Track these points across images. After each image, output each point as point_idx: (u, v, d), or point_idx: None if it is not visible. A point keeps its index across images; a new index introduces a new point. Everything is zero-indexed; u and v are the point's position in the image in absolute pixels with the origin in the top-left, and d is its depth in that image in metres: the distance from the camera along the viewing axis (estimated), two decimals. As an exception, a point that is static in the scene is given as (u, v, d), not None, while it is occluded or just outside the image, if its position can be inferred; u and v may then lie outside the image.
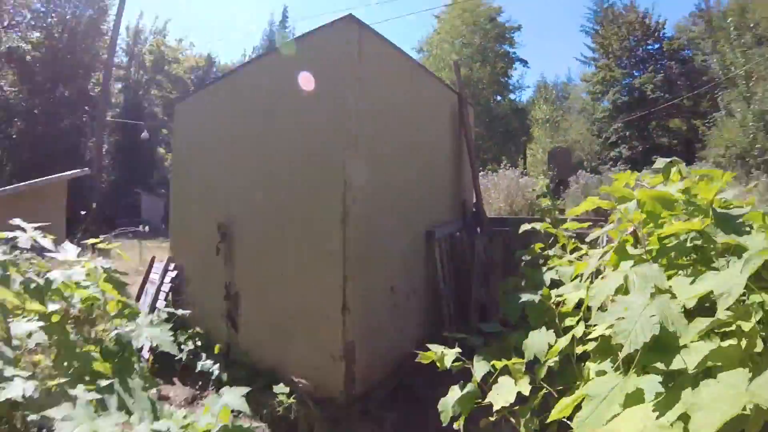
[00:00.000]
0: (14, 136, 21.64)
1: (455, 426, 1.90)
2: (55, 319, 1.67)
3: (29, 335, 1.57)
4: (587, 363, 1.76)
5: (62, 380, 1.45)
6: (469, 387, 1.90)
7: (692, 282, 1.44)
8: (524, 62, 34.81)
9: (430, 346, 2.01)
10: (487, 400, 1.87)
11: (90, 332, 1.97)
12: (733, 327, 1.29)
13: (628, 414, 1.24)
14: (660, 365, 1.30)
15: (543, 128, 34.38)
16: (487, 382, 1.95)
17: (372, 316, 3.36)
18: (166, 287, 4.92)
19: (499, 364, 1.93)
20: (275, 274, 3.62)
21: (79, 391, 1.38)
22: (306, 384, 3.26)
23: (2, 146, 21.60)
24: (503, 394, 1.84)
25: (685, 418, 1.11)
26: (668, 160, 2.16)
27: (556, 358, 1.91)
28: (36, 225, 1.86)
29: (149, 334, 1.81)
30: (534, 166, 27.95)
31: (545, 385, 1.90)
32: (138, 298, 5.23)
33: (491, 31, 32.34)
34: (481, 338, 2.52)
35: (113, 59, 23.31)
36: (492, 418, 1.91)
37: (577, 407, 1.42)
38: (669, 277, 1.56)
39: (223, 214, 4.12)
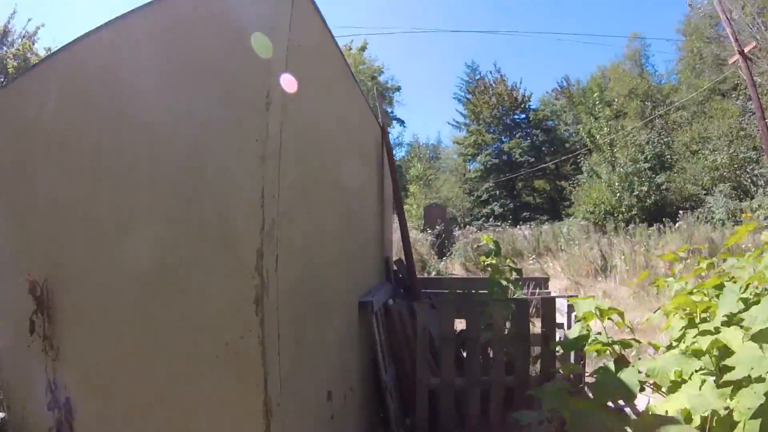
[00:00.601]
0: None
1: None
2: None
3: None
4: None
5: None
6: None
7: None
8: (401, 122, 36.49)
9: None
10: None
11: None
12: None
13: None
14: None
15: (418, 185, 35.72)
16: None
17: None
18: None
19: None
20: (139, 377, 1.84)
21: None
22: None
23: None
24: None
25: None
26: None
27: None
28: None
29: None
30: (410, 220, 28.57)
31: None
32: None
33: (371, 90, 33.23)
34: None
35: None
36: None
37: None
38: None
39: (42, 264, 2.14)
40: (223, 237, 1.62)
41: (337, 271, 2.70)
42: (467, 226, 21.60)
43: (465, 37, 70.45)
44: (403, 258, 4.78)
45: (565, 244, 14.52)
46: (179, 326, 1.65)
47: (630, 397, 1.97)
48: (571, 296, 4.40)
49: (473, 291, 4.64)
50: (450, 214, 28.65)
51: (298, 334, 1.85)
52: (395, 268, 5.01)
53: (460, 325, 3.90)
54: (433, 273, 13.10)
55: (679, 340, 2.43)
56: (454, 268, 15.16)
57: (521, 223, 23.00)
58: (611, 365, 2.10)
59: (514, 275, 4.35)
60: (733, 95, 20.23)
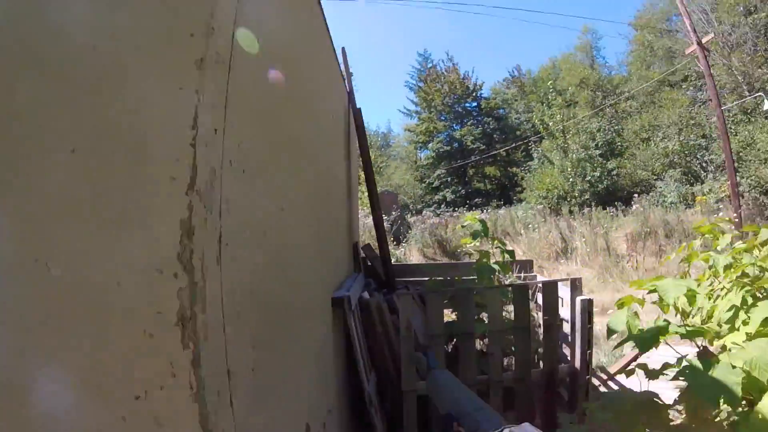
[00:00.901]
0: None
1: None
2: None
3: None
4: None
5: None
6: None
7: None
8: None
9: None
10: None
11: None
12: None
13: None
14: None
15: None
16: None
17: None
18: None
19: None
20: None
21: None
22: None
23: None
24: None
25: None
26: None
27: None
28: None
29: None
30: (363, 208, 28.14)
31: None
32: None
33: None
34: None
35: None
36: None
37: None
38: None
39: None
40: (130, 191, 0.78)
41: (307, 262, 2.03)
42: (423, 212, 21.18)
43: (418, 25, 70.07)
44: (372, 244, 4.16)
45: (524, 227, 14.38)
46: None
47: (734, 401, 1.48)
48: (561, 279, 3.89)
49: (455, 278, 4.08)
50: (402, 201, 28.37)
51: (259, 361, 1.17)
52: (363, 254, 4.38)
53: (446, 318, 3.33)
54: (393, 260, 12.55)
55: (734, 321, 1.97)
56: (412, 254, 14.71)
57: (473, 208, 22.88)
58: (696, 362, 1.59)
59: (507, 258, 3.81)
60: (683, 86, 20.99)
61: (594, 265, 11.35)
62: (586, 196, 18.38)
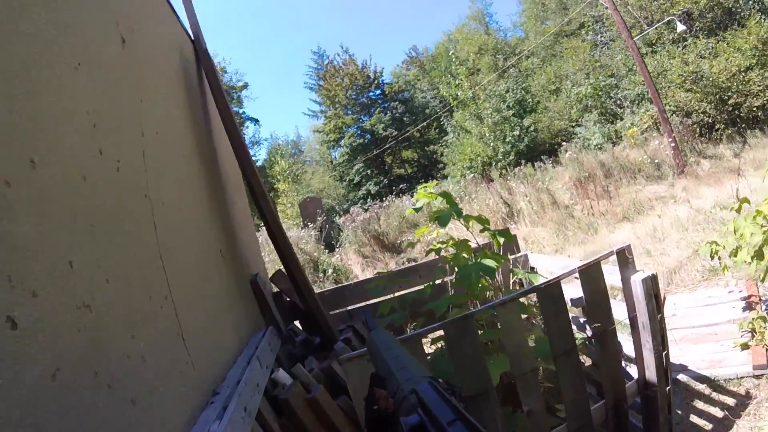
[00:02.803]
0: None
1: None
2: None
3: None
4: None
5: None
6: None
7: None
8: (256, 121, 33.91)
9: None
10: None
11: None
12: None
13: None
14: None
15: (287, 182, 33.77)
16: None
17: None
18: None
19: None
20: None
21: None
22: None
23: None
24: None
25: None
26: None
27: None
28: None
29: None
30: (286, 220, 26.92)
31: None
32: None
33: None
34: None
35: None
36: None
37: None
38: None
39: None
40: None
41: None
42: (351, 210, 19.83)
43: (308, 25, 68.11)
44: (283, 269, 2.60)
45: (460, 200, 13.35)
46: None
47: None
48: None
49: (425, 287, 2.64)
50: (326, 204, 27.02)
51: None
52: (274, 288, 2.81)
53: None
54: (330, 271, 10.99)
55: None
56: (349, 257, 13.18)
57: (400, 195, 21.91)
58: None
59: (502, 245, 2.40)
60: (582, 33, 21.06)
61: (546, 222, 10.47)
62: (511, 157, 18.11)
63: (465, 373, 1.90)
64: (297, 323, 3.02)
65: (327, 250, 13.39)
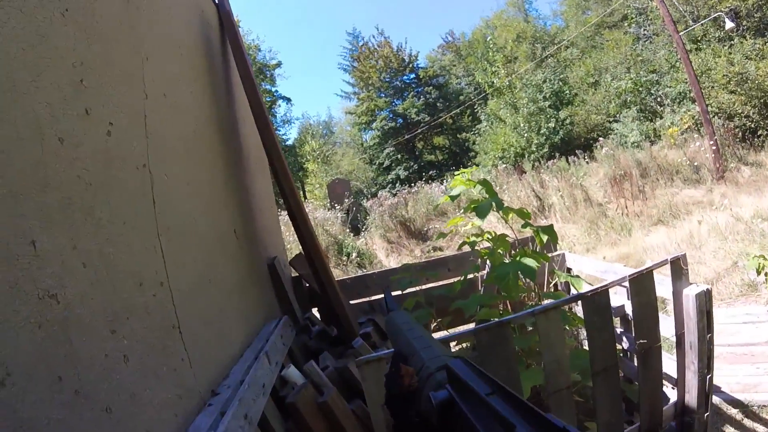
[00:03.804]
0: None
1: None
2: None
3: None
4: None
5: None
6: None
7: None
8: (288, 99, 33.86)
9: None
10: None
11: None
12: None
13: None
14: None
15: (316, 162, 33.80)
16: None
17: None
18: None
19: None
20: None
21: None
22: None
23: None
24: None
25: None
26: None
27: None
28: None
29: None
30: (313, 200, 26.99)
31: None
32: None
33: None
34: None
35: None
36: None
37: None
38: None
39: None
40: None
41: None
42: (379, 194, 19.70)
43: (344, 6, 67.62)
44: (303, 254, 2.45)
45: (492, 192, 13.03)
46: None
47: None
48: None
49: (455, 284, 2.45)
50: (355, 187, 26.96)
51: None
52: (294, 272, 2.67)
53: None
54: (354, 255, 10.89)
55: None
56: (375, 242, 13.06)
57: (430, 181, 21.59)
58: None
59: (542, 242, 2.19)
60: (624, 25, 20.18)
61: (577, 219, 10.10)
62: (545, 149, 17.52)
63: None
64: (315, 311, 2.89)
65: (352, 233, 13.29)
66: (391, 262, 11.35)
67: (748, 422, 3.09)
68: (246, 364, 1.30)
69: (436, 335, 2.94)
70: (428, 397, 0.58)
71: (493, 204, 2.11)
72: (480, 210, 2.06)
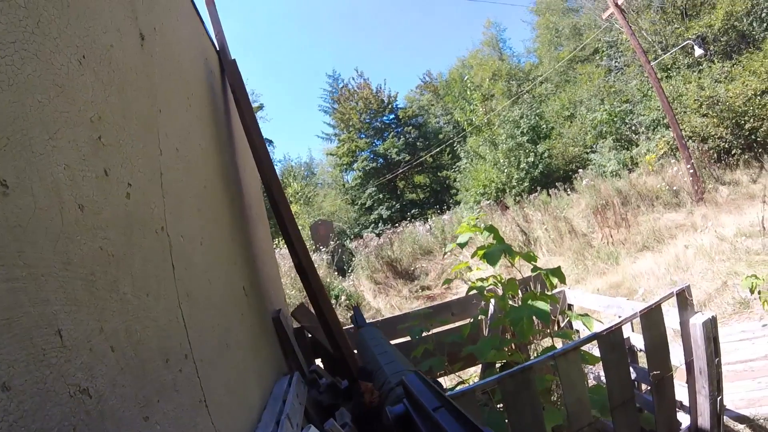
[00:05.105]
0: None
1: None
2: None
3: None
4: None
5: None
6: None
7: None
8: (270, 142, 34.16)
9: None
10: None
11: None
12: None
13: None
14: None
15: (298, 204, 33.76)
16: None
17: None
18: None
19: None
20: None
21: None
22: None
23: None
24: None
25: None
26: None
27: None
28: None
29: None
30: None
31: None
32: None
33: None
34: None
35: None
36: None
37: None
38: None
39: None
40: None
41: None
42: (363, 235, 19.67)
43: (323, 49, 69.39)
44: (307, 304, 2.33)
45: (476, 228, 13.07)
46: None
47: None
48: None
49: (462, 333, 2.36)
50: (337, 228, 26.88)
51: None
52: (296, 323, 2.55)
53: None
54: (342, 297, 10.70)
55: None
56: (361, 284, 12.89)
57: (412, 220, 21.67)
58: None
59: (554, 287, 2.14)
60: (596, 58, 21.07)
61: (564, 251, 10.16)
62: (525, 183, 17.96)
63: (521, 429, 1.63)
64: (318, 362, 2.76)
65: (339, 275, 13.11)
66: (380, 303, 11.17)
67: (755, 436, 3.10)
68: (269, 430, 1.20)
69: (452, 380, 2.82)
70: (386, 412, 0.60)
71: (503, 250, 2.06)
72: (491, 256, 2.02)
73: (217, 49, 1.93)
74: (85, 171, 0.71)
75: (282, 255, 9.42)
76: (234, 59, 1.89)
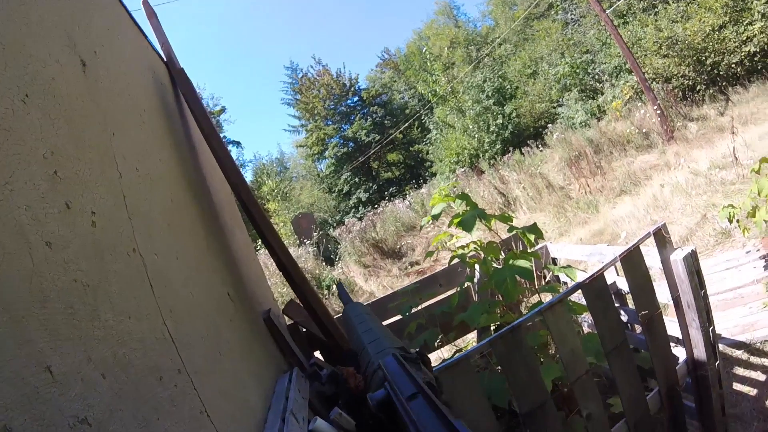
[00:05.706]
0: None
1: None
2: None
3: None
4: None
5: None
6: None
7: None
8: (238, 143, 33.79)
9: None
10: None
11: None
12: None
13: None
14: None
15: (276, 201, 33.50)
16: None
17: None
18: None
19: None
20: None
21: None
22: None
23: None
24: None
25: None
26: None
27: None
28: None
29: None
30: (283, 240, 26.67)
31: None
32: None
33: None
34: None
35: None
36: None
37: None
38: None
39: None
40: None
41: None
42: (345, 221, 19.70)
43: (278, 42, 68.01)
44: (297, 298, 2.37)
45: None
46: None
47: None
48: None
49: (452, 304, 2.42)
50: (319, 218, 26.84)
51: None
52: (288, 319, 2.59)
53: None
54: (333, 287, 10.76)
55: None
56: (351, 270, 12.96)
57: (391, 199, 21.74)
58: None
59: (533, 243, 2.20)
60: (551, 13, 21.09)
61: (544, 207, 10.37)
62: (497, 146, 18.23)
63: (520, 388, 1.70)
64: (317, 354, 2.80)
65: (328, 265, 13.15)
66: (371, 285, 11.27)
67: (754, 359, 3.24)
68: (276, 429, 1.23)
69: (450, 350, 2.88)
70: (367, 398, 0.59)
71: (477, 215, 2.11)
72: (466, 224, 2.07)
73: (165, 60, 1.91)
74: (46, 208, 0.72)
75: (267, 256, 9.40)
76: (182, 68, 1.87)
